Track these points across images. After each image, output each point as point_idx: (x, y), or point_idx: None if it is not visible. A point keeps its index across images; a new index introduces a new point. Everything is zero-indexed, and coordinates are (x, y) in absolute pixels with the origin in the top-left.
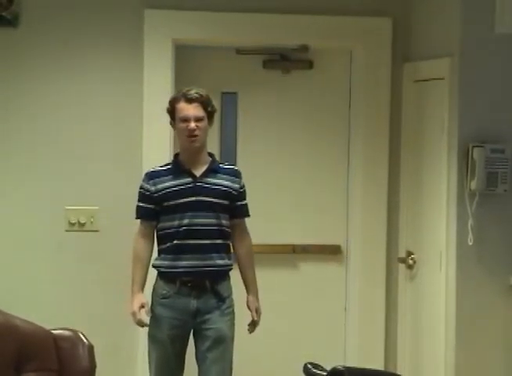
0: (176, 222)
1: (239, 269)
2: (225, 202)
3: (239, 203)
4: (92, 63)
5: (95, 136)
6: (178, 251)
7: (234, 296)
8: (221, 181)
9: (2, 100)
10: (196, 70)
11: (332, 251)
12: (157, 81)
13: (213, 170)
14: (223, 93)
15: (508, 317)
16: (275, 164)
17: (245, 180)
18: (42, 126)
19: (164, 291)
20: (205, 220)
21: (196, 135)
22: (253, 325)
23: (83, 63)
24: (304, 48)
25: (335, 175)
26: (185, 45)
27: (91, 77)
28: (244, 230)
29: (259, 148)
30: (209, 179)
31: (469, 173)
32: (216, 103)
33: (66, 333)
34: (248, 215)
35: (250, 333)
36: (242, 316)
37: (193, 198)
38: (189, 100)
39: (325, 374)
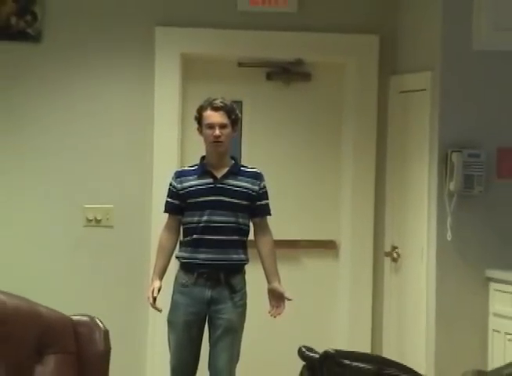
0: (196, 218)
1: (262, 262)
2: (244, 202)
3: (259, 203)
4: (108, 74)
5: (110, 141)
6: (196, 245)
7: (250, 290)
8: (241, 183)
9: (30, 107)
10: (203, 80)
11: (327, 246)
12: (167, 91)
13: (233, 172)
14: None
15: (483, 306)
16: (276, 167)
17: None
18: (64, 132)
19: (184, 281)
20: (222, 218)
21: (220, 141)
22: (279, 309)
23: (99, 74)
24: (300, 62)
25: (328, 177)
26: (192, 59)
27: (107, 88)
28: (265, 228)
29: (261, 152)
30: (229, 181)
31: (448, 175)
32: None
33: (84, 319)
34: (269, 214)
35: (275, 317)
36: (255, 307)
37: (213, 197)
38: (215, 108)
39: (317, 356)
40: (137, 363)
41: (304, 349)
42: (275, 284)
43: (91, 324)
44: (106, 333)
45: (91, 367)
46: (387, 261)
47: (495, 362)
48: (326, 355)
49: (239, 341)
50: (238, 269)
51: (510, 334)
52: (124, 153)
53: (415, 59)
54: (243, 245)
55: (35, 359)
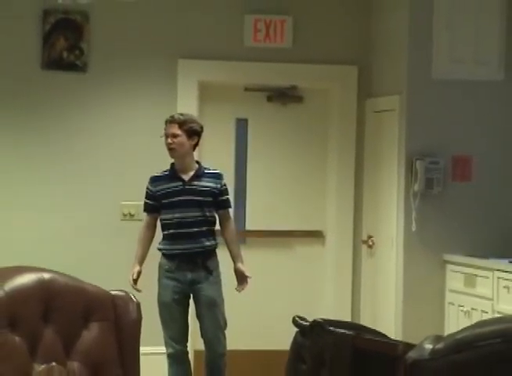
0: (170, 216)
1: (227, 247)
2: (209, 199)
3: (221, 198)
4: (140, 97)
5: (141, 152)
6: (174, 238)
7: (253, 271)
8: (205, 183)
9: (77, 122)
10: (216, 102)
11: (315, 235)
12: (187, 110)
13: (198, 175)
14: (237, 119)
15: (441, 283)
16: (275, 171)
17: (252, 184)
18: (106, 144)
19: (167, 267)
20: (192, 214)
21: (172, 148)
22: (243, 285)
23: (133, 97)
24: (294, 88)
25: (317, 179)
26: (208, 85)
27: (139, 107)
28: (228, 218)
29: (263, 159)
30: (195, 182)
31: (413, 178)
32: (231, 126)
33: (121, 293)
34: (230, 207)
35: (240, 292)
36: (257, 285)
37: (183, 197)
38: (168, 121)
39: (308, 324)
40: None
41: (297, 319)
42: (239, 265)
43: (126, 298)
44: (138, 305)
45: (126, 332)
46: (364, 247)
47: (450, 328)
48: (315, 323)
49: (222, 310)
50: (211, 252)
51: (462, 306)
52: (152, 160)
53: (386, 85)
54: (212, 233)
55: (82, 325)
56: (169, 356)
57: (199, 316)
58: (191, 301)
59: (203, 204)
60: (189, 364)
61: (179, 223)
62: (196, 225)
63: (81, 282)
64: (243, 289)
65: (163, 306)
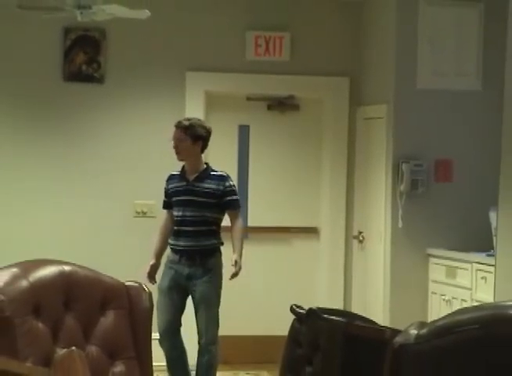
0: (176, 213)
1: (232, 242)
2: (211, 200)
3: (225, 199)
4: (151, 105)
5: (152, 154)
6: (177, 235)
7: (252, 264)
8: (208, 184)
9: (95, 129)
10: (221, 110)
11: (311, 231)
12: None
13: (202, 176)
14: (240, 126)
15: (424, 275)
16: (274, 173)
17: (254, 184)
18: (120, 148)
19: (172, 258)
20: (192, 213)
21: (177, 152)
22: (234, 274)
23: (146, 106)
24: (291, 97)
25: (312, 181)
26: (213, 95)
27: (151, 115)
28: (235, 218)
29: (264, 162)
30: (197, 183)
31: (399, 180)
32: (234, 132)
33: (134, 284)
34: (235, 208)
35: (230, 280)
36: (258, 277)
37: (185, 197)
38: (176, 126)
39: (304, 312)
40: None
41: (294, 307)
42: (234, 255)
43: (139, 288)
44: (150, 294)
45: (140, 319)
46: (355, 242)
47: (433, 315)
48: (311, 311)
49: (214, 307)
50: (211, 252)
51: (443, 295)
52: (163, 163)
53: (375, 95)
54: (212, 233)
55: (99, 312)
56: (159, 340)
57: (194, 310)
58: (190, 301)
59: (204, 204)
60: (180, 351)
61: (182, 221)
62: (195, 224)
63: (98, 274)
64: (232, 278)
65: (159, 293)
